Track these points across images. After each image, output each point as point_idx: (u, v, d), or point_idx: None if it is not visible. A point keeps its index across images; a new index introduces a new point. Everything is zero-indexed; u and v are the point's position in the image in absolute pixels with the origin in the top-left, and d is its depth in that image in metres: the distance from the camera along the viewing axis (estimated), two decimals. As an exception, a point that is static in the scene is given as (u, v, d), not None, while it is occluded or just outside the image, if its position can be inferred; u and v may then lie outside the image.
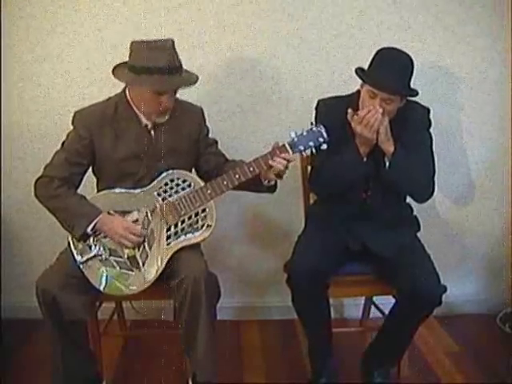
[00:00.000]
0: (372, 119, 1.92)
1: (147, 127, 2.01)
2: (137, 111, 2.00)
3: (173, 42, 1.92)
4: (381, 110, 1.93)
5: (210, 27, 2.43)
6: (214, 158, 2.12)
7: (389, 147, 1.99)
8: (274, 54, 2.47)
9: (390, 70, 1.94)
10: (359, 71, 2.01)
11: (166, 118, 2.00)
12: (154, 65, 1.87)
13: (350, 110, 1.98)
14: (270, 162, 1.92)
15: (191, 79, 1.97)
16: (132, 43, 1.94)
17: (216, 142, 2.18)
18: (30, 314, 2.30)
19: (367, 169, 2.04)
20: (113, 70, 1.98)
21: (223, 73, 2.48)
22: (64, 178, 1.96)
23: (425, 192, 2.10)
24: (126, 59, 1.98)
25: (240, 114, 2.53)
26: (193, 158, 2.10)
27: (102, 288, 1.94)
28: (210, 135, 2.16)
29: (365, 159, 2.02)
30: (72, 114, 2.01)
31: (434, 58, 2.49)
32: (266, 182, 2.00)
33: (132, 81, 1.93)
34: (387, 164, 2.01)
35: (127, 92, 2.01)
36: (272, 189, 2.04)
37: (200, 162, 2.12)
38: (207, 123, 2.16)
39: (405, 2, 2.44)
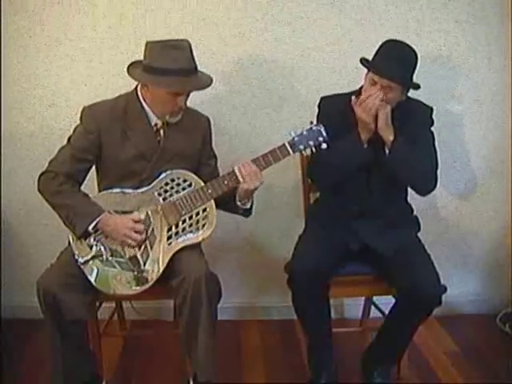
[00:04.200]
0: (370, 103, 1.95)
1: (156, 126, 2.02)
2: (147, 110, 2.00)
3: (189, 43, 1.93)
4: (381, 96, 1.95)
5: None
6: (207, 173, 2.10)
7: (389, 135, 2.00)
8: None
9: (392, 59, 1.97)
10: (363, 60, 2.03)
11: (179, 117, 2.00)
12: (172, 66, 1.88)
13: (353, 97, 2.00)
14: (236, 167, 1.93)
15: (207, 81, 1.98)
16: (147, 43, 1.94)
17: (216, 158, 2.19)
18: (30, 314, 2.31)
19: (368, 156, 2.04)
20: (127, 69, 1.98)
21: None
22: (69, 174, 1.96)
23: (426, 184, 2.10)
24: (133, 62, 2.00)
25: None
26: (195, 165, 2.09)
27: (93, 280, 1.93)
28: (224, 133, 2.16)
29: (365, 146, 2.03)
30: (74, 113, 2.02)
31: (435, 52, 2.50)
32: (240, 203, 2.01)
33: (149, 81, 1.93)
34: (387, 152, 2.02)
35: (139, 91, 2.01)
36: (246, 213, 2.06)
37: (197, 171, 2.11)
38: (212, 133, 2.17)
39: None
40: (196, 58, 1.95)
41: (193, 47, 1.94)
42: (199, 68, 1.98)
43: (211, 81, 1.99)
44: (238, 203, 2.02)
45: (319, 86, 2.46)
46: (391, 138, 2.00)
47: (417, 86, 2.03)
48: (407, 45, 2.00)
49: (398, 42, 2.01)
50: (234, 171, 1.95)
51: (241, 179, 1.94)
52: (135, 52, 2.04)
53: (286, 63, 2.49)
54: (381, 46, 2.02)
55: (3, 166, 2.55)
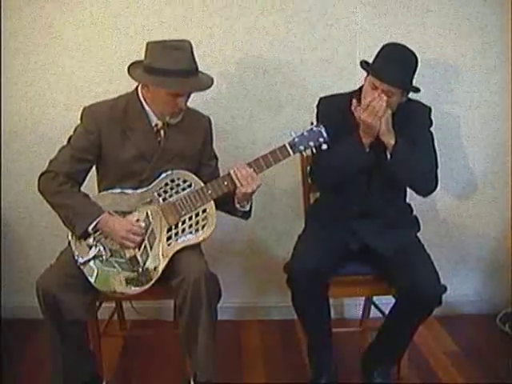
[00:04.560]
0: (377, 106, 1.94)
1: (157, 126, 2.01)
2: (148, 111, 2.00)
3: (190, 44, 1.92)
4: (385, 98, 1.94)
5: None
6: (207, 173, 2.09)
7: (390, 139, 2.00)
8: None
9: (393, 63, 1.97)
10: (364, 64, 2.03)
11: (180, 118, 2.00)
12: (172, 67, 1.87)
13: (354, 101, 2.01)
14: (232, 171, 1.93)
15: (207, 82, 1.98)
16: (148, 44, 1.94)
17: (217, 159, 2.18)
18: (30, 314, 2.31)
19: (370, 160, 2.04)
20: (128, 69, 1.98)
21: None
22: (69, 174, 1.95)
23: (427, 185, 2.10)
24: (133, 62, 2.00)
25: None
26: (195, 166, 2.09)
27: (92, 280, 1.93)
28: (225, 134, 2.15)
29: (367, 150, 2.03)
30: (74, 114, 2.02)
31: (434, 54, 2.49)
32: (239, 205, 2.01)
33: (149, 81, 1.93)
34: (388, 156, 2.02)
35: (139, 91, 2.01)
36: (245, 215, 2.06)
37: (197, 172, 2.10)
38: (213, 134, 2.17)
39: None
40: (197, 59, 1.95)
41: (194, 48, 1.93)
42: (200, 69, 1.97)
43: (212, 82, 1.99)
44: (237, 206, 2.02)
45: (320, 87, 2.45)
46: (392, 142, 2.00)
47: (417, 90, 2.02)
48: (407, 48, 1.99)
49: (398, 46, 2.01)
50: (230, 175, 1.95)
51: (237, 183, 1.94)
52: (136, 52, 2.04)
53: (287, 64, 2.49)
54: (381, 50, 2.02)
55: (3, 166, 2.55)
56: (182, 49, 1.90)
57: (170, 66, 1.87)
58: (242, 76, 2.50)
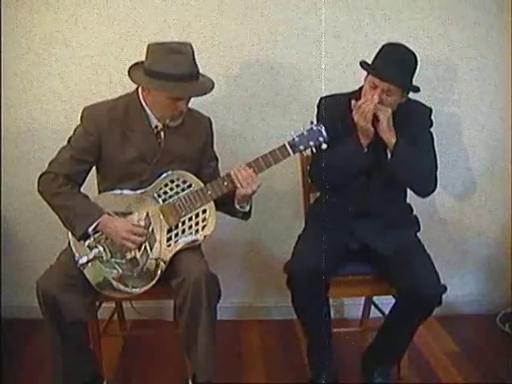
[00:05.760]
0: (366, 108, 1.95)
1: (157, 128, 2.01)
2: (148, 113, 1.99)
3: (191, 47, 1.91)
4: (376, 100, 1.95)
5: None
6: (207, 174, 2.09)
7: (391, 138, 2.00)
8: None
9: (392, 62, 1.97)
10: (364, 63, 2.03)
11: (180, 121, 1.99)
12: (173, 71, 1.86)
13: (353, 101, 2.01)
14: (232, 172, 1.93)
15: (208, 87, 1.96)
16: (149, 46, 1.93)
17: (217, 160, 2.18)
18: (30, 314, 2.31)
19: (368, 160, 2.04)
20: (128, 71, 1.97)
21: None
22: (68, 176, 1.95)
23: (427, 185, 2.10)
24: (134, 64, 1.99)
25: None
26: (195, 167, 2.08)
27: (92, 281, 1.93)
28: (225, 135, 2.15)
29: (365, 150, 2.03)
30: (74, 114, 2.02)
31: (434, 54, 2.50)
32: (239, 206, 2.01)
33: (149, 85, 1.92)
34: (389, 155, 2.02)
35: (140, 92, 2.00)
36: (246, 216, 2.06)
37: (197, 173, 2.09)
38: (214, 135, 2.17)
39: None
40: (199, 60, 1.94)
41: (196, 49, 1.93)
42: (202, 69, 1.97)
43: (212, 85, 1.98)
44: (237, 206, 2.01)
45: (323, 88, 2.45)
46: (393, 140, 2.00)
47: (416, 89, 2.03)
48: (407, 48, 2.00)
49: (397, 45, 2.02)
50: (230, 175, 1.95)
51: (238, 184, 1.93)
52: (137, 53, 2.03)
53: (290, 65, 2.49)
54: (380, 49, 2.03)
55: (3, 166, 2.55)
56: (183, 52, 1.89)
57: (171, 70, 1.86)
58: (246, 78, 2.49)
